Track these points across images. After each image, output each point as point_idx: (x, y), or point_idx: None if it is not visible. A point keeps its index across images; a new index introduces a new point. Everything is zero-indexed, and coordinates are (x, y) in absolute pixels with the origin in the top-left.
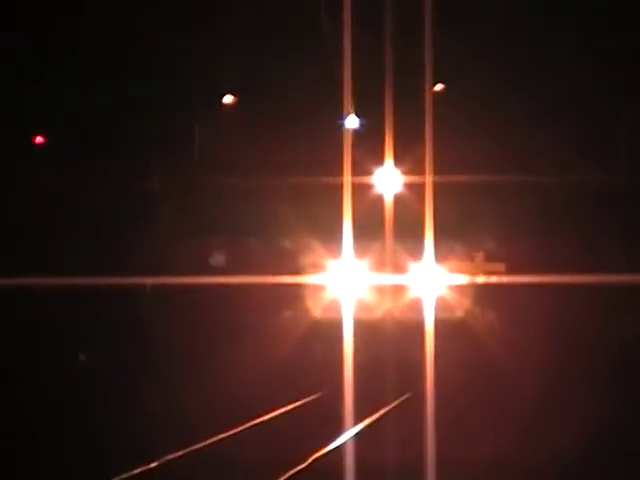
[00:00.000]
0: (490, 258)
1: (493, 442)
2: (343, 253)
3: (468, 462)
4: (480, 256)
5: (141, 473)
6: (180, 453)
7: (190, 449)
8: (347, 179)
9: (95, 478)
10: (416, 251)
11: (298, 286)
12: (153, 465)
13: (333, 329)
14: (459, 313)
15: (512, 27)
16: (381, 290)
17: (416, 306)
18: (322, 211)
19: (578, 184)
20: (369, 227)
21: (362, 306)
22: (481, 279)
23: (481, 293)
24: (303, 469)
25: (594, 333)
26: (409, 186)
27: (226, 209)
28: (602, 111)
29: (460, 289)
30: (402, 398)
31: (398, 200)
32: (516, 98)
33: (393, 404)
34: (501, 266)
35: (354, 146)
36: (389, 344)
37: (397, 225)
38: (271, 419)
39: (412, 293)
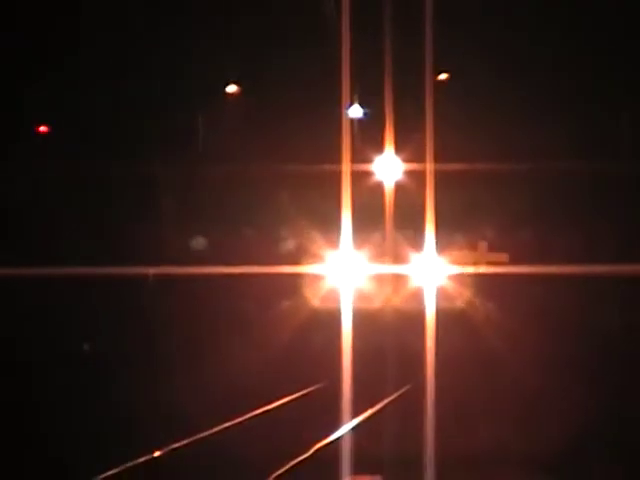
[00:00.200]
0: (493, 248)
1: (492, 432)
2: (343, 242)
3: (467, 451)
4: (483, 245)
5: (144, 462)
6: (178, 444)
7: (190, 439)
8: (346, 167)
9: (98, 467)
10: (417, 240)
11: (298, 276)
12: (156, 455)
13: (333, 319)
14: (460, 303)
15: (513, 15)
16: (381, 280)
17: (416, 296)
18: (322, 200)
19: (583, 172)
20: (369, 216)
21: (362, 296)
22: (483, 269)
23: (483, 283)
24: (304, 460)
25: (599, 323)
26: (410, 174)
27: (228, 198)
28: (607, 99)
29: (462, 279)
30: (402, 390)
31: (399, 188)
32: (519, 86)
33: (393, 395)
34: (504, 256)
35: (356, 134)
36: (389, 334)
37: (398, 214)
38: (271, 410)
39: (413, 283)
